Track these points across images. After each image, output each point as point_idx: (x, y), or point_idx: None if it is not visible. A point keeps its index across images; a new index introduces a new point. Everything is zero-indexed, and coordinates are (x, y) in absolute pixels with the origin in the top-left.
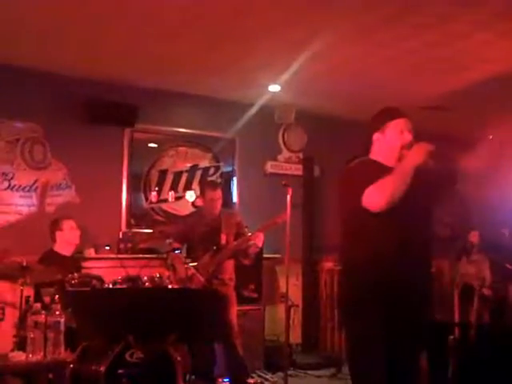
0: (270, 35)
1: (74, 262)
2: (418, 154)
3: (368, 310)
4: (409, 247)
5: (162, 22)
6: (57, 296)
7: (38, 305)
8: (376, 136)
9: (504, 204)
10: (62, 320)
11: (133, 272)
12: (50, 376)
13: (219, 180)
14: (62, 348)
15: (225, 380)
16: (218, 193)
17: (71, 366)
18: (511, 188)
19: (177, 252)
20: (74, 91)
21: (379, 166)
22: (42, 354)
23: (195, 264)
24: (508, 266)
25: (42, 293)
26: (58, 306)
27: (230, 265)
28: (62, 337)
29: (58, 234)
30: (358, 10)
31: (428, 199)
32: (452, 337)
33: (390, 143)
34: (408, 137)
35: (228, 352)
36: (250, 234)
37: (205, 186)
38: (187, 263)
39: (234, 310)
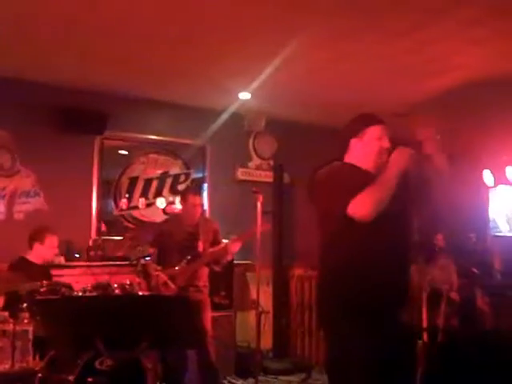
0: (240, 43)
1: (45, 270)
2: (402, 159)
3: (353, 320)
4: (393, 253)
5: (133, 29)
6: (25, 304)
7: (6, 313)
8: (354, 142)
9: (472, 209)
10: (31, 329)
11: (103, 279)
12: None
13: (189, 187)
14: (31, 357)
15: None
16: (199, 198)
17: (39, 374)
18: (478, 194)
19: (148, 259)
20: (43, 98)
21: (359, 170)
22: (9, 362)
23: (172, 270)
24: (474, 270)
25: (10, 301)
26: (27, 315)
27: (204, 272)
28: (30, 345)
29: (36, 245)
30: (329, 17)
31: (409, 204)
32: (420, 341)
33: (367, 149)
34: (386, 143)
35: (201, 358)
36: (225, 241)
37: (187, 191)
38: (158, 270)
39: (209, 316)
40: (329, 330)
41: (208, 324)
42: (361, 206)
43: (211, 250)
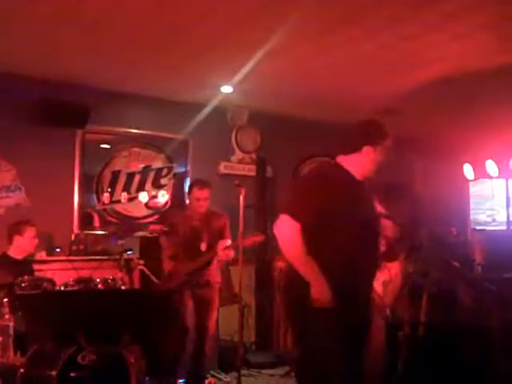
0: (222, 36)
1: (27, 264)
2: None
3: (325, 317)
4: (366, 252)
5: (115, 22)
6: (5, 299)
7: None
8: (367, 149)
9: (452, 203)
10: (11, 324)
11: (85, 274)
12: (0, 381)
13: (172, 181)
14: (11, 352)
15: (180, 381)
16: (206, 192)
17: (21, 370)
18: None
19: (129, 253)
20: (24, 91)
21: (347, 174)
22: None
23: (173, 265)
24: (455, 263)
25: None
26: (7, 310)
27: (215, 267)
28: (10, 341)
29: (16, 237)
30: (311, 11)
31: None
32: (402, 333)
33: (374, 161)
34: (388, 156)
35: (196, 353)
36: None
37: (193, 183)
38: (141, 265)
39: (214, 315)
40: (295, 320)
41: (211, 322)
42: (281, 233)
43: (217, 251)
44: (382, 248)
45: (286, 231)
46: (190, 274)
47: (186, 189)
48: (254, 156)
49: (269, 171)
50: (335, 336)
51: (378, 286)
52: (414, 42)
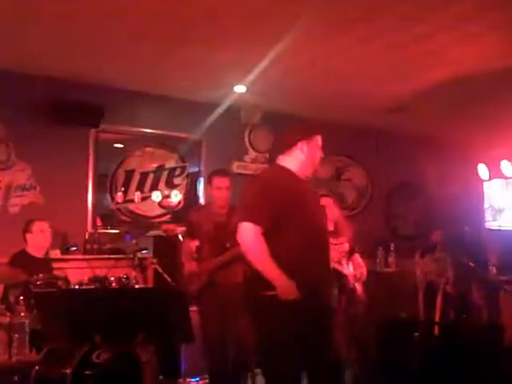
0: (235, 35)
1: (46, 263)
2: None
3: (279, 311)
4: (316, 251)
5: (129, 21)
6: (22, 297)
7: (3, 306)
8: (301, 144)
9: (467, 203)
10: (27, 321)
11: (100, 272)
12: (15, 378)
13: (185, 181)
14: (27, 349)
15: (193, 380)
16: (226, 181)
17: (36, 367)
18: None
19: (144, 252)
20: (38, 90)
21: (291, 175)
22: (6, 355)
23: (196, 265)
24: (471, 263)
25: (8, 294)
26: (23, 308)
27: (239, 268)
28: (26, 338)
29: (28, 236)
30: (323, 11)
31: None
32: (416, 333)
33: (309, 156)
34: (321, 153)
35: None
36: None
37: (212, 173)
38: (154, 264)
39: (244, 320)
40: (254, 313)
41: (240, 329)
42: (244, 240)
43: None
44: (346, 246)
45: (250, 237)
46: (216, 272)
47: (200, 188)
48: (267, 156)
49: None
50: (295, 326)
51: (357, 284)
52: (426, 43)
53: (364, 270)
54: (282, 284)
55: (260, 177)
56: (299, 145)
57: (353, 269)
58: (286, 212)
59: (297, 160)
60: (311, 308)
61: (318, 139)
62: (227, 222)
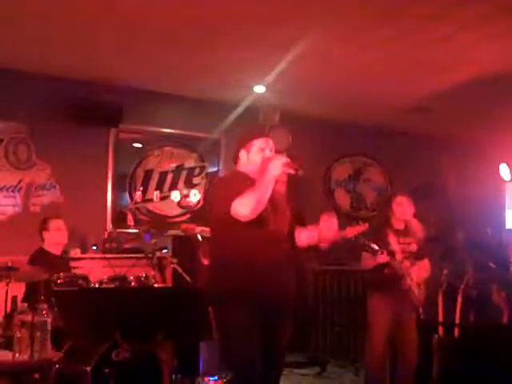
0: (255, 36)
1: (64, 261)
2: (275, 168)
3: (236, 304)
4: (270, 250)
5: (150, 23)
6: (43, 296)
7: (25, 304)
8: (242, 153)
9: (488, 204)
10: (49, 319)
11: (119, 271)
12: (36, 376)
13: (204, 180)
14: (49, 347)
15: (211, 379)
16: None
17: (57, 365)
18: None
19: (164, 252)
20: (59, 91)
21: (245, 178)
22: (28, 353)
23: None
24: (491, 265)
25: (29, 292)
26: (45, 306)
27: None
28: (48, 336)
29: (44, 233)
30: (345, 12)
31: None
32: (436, 335)
33: (253, 159)
34: (267, 153)
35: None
36: None
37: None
38: (173, 263)
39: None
40: (217, 310)
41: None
42: (242, 207)
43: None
44: (413, 247)
45: (239, 205)
46: None
47: None
48: (285, 156)
49: (299, 171)
50: (248, 319)
51: (414, 286)
52: (449, 43)
53: (425, 275)
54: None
55: (219, 181)
56: (241, 154)
57: (418, 271)
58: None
59: (246, 166)
60: (256, 303)
61: (259, 143)
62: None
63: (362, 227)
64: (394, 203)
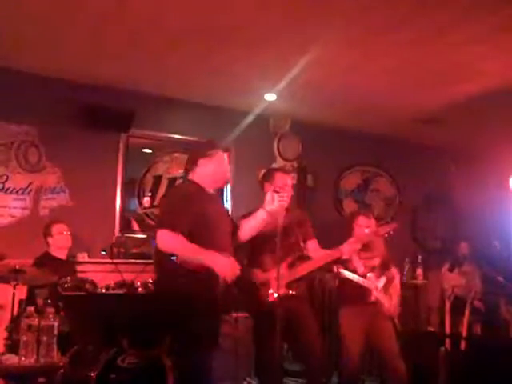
0: (267, 44)
1: (70, 265)
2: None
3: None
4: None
5: (160, 28)
6: (49, 299)
7: (32, 308)
8: (202, 161)
9: (496, 217)
10: (56, 324)
11: (126, 277)
12: (41, 380)
13: None
14: (55, 352)
15: None
16: (290, 178)
17: (62, 370)
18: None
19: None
20: (70, 95)
21: (198, 189)
22: (34, 357)
23: (266, 275)
24: (499, 278)
25: (35, 296)
26: (52, 310)
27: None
28: (54, 340)
29: (49, 239)
30: (355, 20)
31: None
32: (443, 348)
33: (213, 170)
34: (228, 168)
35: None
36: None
37: (273, 170)
38: None
39: (314, 328)
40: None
41: (313, 336)
42: (164, 242)
43: (325, 252)
44: (375, 261)
45: (167, 237)
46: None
47: (228, 194)
48: (295, 164)
49: (309, 180)
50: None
51: (381, 297)
52: (460, 53)
53: (395, 285)
54: (217, 260)
55: (173, 190)
56: (200, 162)
57: (385, 283)
58: (191, 219)
59: (203, 176)
60: (205, 302)
61: (221, 155)
62: (292, 225)
63: (394, 225)
64: (354, 223)
